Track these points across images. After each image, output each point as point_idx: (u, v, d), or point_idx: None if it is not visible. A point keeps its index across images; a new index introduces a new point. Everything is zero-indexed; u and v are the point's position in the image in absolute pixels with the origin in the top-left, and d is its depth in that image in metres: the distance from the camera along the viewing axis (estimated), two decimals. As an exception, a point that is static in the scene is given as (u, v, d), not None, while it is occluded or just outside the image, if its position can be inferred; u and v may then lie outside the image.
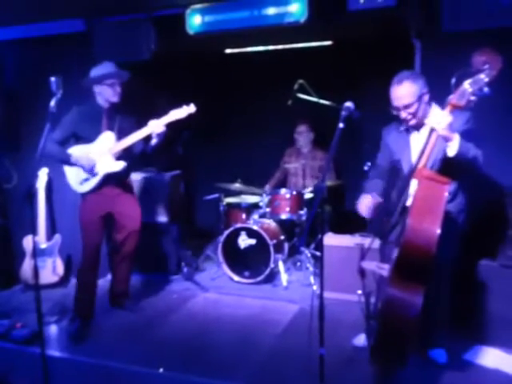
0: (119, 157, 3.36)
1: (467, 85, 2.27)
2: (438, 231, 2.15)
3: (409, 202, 2.32)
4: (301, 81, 3.93)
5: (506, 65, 3.16)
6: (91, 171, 3.32)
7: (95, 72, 3.32)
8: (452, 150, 2.33)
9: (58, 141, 3.30)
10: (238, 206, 4.69)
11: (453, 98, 2.30)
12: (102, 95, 3.34)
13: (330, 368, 2.35)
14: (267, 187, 4.91)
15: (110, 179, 3.37)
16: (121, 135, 3.33)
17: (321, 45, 4.75)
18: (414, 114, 2.57)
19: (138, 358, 2.97)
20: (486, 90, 2.26)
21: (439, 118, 2.32)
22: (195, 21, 3.85)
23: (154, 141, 3.34)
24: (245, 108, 5.22)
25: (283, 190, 4.48)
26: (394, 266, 2.29)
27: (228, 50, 5.11)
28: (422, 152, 2.38)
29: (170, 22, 3.96)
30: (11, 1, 3.59)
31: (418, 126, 2.64)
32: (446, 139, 2.34)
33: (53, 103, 2.70)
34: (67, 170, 3.41)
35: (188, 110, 3.28)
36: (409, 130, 2.71)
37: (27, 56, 4.34)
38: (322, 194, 2.29)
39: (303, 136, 4.90)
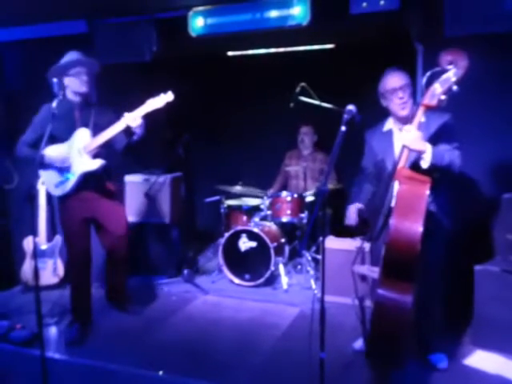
0: (99, 154, 3.15)
1: (437, 85, 2.33)
2: (420, 229, 2.17)
3: (393, 203, 2.34)
4: (303, 84, 3.92)
5: (509, 69, 3.19)
6: (67, 172, 3.15)
7: (60, 62, 3.15)
8: (425, 162, 2.40)
9: (29, 143, 3.14)
10: (238, 208, 4.68)
11: (424, 99, 2.37)
12: (70, 87, 3.16)
13: (331, 372, 2.34)
14: (271, 192, 4.90)
15: (89, 180, 3.18)
16: (97, 131, 3.12)
17: (323, 48, 4.76)
18: (407, 99, 2.61)
19: (138, 360, 2.96)
20: (455, 88, 2.32)
21: (408, 135, 2.38)
22: (198, 23, 3.86)
23: (134, 136, 3.10)
24: (246, 110, 5.22)
25: (284, 193, 4.47)
26: (381, 266, 2.30)
27: (230, 53, 5.12)
28: (401, 152, 2.42)
29: (173, 23, 3.97)
30: (13, 2, 3.59)
31: (407, 120, 2.65)
32: (420, 153, 2.40)
33: (54, 104, 2.70)
34: (42, 173, 3.25)
35: (165, 98, 3.02)
36: (392, 130, 2.74)
37: (29, 57, 4.35)
38: (323, 198, 2.29)
39: (308, 137, 4.90)
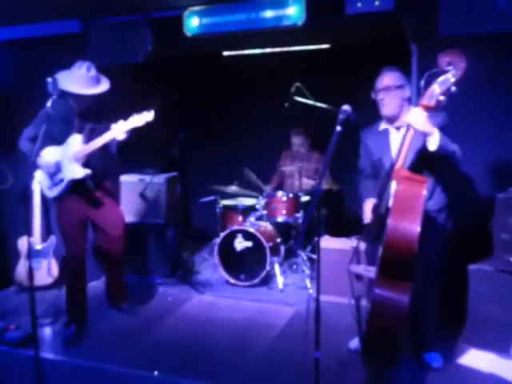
0: (94, 157, 3.16)
1: (435, 86, 2.34)
2: (418, 229, 2.18)
3: (391, 203, 2.35)
4: (298, 84, 3.93)
5: (504, 68, 3.20)
6: (58, 176, 3.20)
7: (59, 80, 2.95)
8: (433, 145, 2.38)
9: (31, 137, 3.18)
10: (234, 208, 4.68)
11: (423, 100, 2.37)
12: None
13: (326, 371, 2.35)
14: (268, 188, 4.92)
15: (80, 184, 3.20)
16: (93, 137, 3.13)
17: (318, 48, 4.77)
18: (388, 100, 2.64)
19: (133, 360, 2.95)
20: (453, 89, 2.33)
21: (415, 114, 2.37)
22: (193, 23, 3.85)
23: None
24: (242, 110, 5.22)
25: (280, 193, 4.48)
26: (378, 266, 2.31)
27: (225, 53, 5.12)
28: (399, 152, 2.42)
29: (168, 23, 3.96)
30: (7, 1, 3.57)
31: (393, 120, 2.71)
32: (426, 134, 2.39)
33: (49, 104, 2.69)
34: (39, 173, 3.32)
35: (145, 117, 3.03)
36: (388, 130, 2.75)
37: (23, 57, 4.33)
38: (318, 197, 2.29)
39: (303, 147, 4.91)
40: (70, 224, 3.29)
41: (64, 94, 3.13)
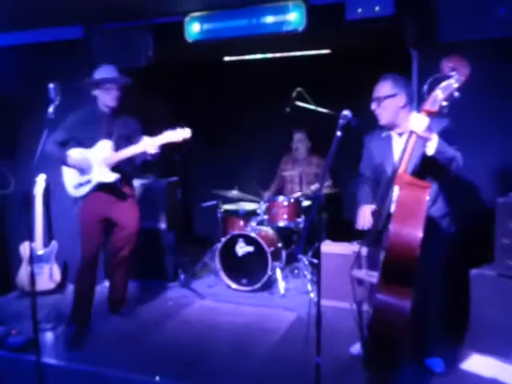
0: (121, 165, 3.31)
1: (438, 91, 2.35)
2: (420, 235, 2.18)
3: (393, 208, 2.35)
4: (299, 89, 3.94)
5: (505, 74, 3.21)
6: (86, 178, 3.31)
7: (94, 76, 3.31)
8: (431, 149, 2.40)
9: (57, 142, 3.29)
10: (235, 213, 4.68)
11: (426, 105, 2.38)
12: (100, 99, 3.33)
13: (327, 376, 2.35)
14: (267, 193, 4.92)
15: (106, 186, 3.33)
16: (120, 143, 3.29)
17: (319, 53, 4.79)
18: (380, 110, 2.66)
19: (134, 365, 2.95)
20: (456, 94, 2.34)
21: (417, 120, 2.39)
22: (194, 28, 3.87)
23: (149, 157, 3.26)
24: (243, 115, 5.23)
25: (281, 198, 4.48)
26: (380, 271, 2.31)
27: (226, 58, 5.14)
28: (402, 157, 2.43)
29: (169, 29, 3.99)
30: (10, 7, 3.60)
31: (392, 128, 2.72)
32: (426, 139, 2.41)
33: (51, 110, 2.70)
34: (66, 171, 3.40)
35: (183, 134, 3.15)
36: (390, 135, 2.76)
37: (25, 62, 4.36)
38: (319, 202, 2.30)
39: (302, 144, 4.91)
40: (90, 222, 3.37)
41: (93, 100, 3.35)
